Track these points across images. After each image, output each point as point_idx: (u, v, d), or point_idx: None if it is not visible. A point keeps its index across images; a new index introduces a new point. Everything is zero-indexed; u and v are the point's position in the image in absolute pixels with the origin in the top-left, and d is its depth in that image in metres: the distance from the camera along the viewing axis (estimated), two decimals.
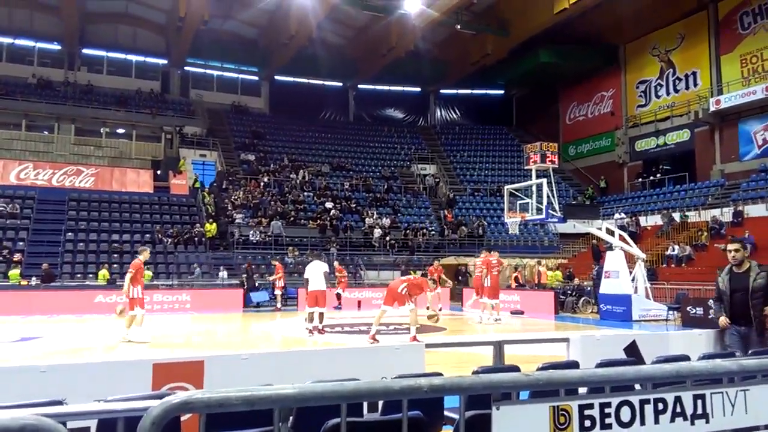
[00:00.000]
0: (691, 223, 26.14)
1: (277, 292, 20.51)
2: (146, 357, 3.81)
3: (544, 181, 16.00)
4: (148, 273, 22.10)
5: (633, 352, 5.69)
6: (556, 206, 16.57)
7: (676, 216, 26.67)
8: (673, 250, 23.74)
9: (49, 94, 31.18)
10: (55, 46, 33.24)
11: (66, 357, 10.05)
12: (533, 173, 16.68)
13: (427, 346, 4.73)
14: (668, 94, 31.80)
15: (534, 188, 16.46)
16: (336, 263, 21.41)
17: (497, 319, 15.98)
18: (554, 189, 16.65)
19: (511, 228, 17.71)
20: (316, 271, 12.63)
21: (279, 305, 20.34)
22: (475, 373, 3.89)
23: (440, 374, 4.05)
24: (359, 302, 21.34)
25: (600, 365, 4.33)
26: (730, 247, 6.02)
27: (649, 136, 32.38)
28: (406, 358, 4.59)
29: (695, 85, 30.52)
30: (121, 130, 32.37)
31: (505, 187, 18.25)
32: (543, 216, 16.10)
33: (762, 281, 5.82)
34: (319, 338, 12.12)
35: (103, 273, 21.85)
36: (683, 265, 22.82)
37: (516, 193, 17.59)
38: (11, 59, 32.44)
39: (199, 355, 3.94)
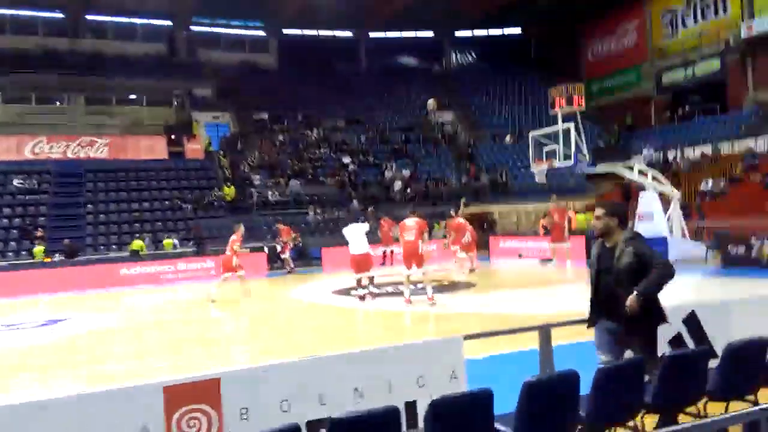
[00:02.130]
0: (724, 156, 25.08)
1: (285, 254, 20.10)
2: (155, 380, 3.37)
3: (572, 125, 15.17)
4: (169, 241, 22.05)
5: (692, 324, 5.14)
6: (585, 150, 15.79)
7: (707, 149, 25.62)
8: (707, 185, 22.84)
9: (56, 65, 30.55)
10: (59, 15, 32.44)
11: (89, 346, 9.88)
12: (559, 117, 15.83)
13: (466, 338, 4.26)
14: (696, 22, 30.05)
15: (561, 133, 15.64)
16: (384, 218, 20.87)
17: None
18: (582, 132, 15.81)
19: (538, 177, 16.96)
20: (352, 234, 12.18)
21: (288, 267, 19.96)
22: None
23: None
24: (384, 257, 20.99)
25: (671, 359, 3.81)
26: (596, 212, 4.47)
27: (677, 68, 30.81)
28: (442, 355, 4.14)
29: (725, 11, 28.73)
30: (131, 97, 31.80)
31: (530, 134, 17.39)
32: (572, 162, 15.35)
33: (628, 260, 4.16)
34: (370, 304, 11.78)
35: (138, 243, 21.50)
36: (717, 199, 21.94)
37: (541, 139, 16.74)
38: (15, 31, 31.74)
39: (214, 373, 3.50)
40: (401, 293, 11.60)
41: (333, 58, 37.56)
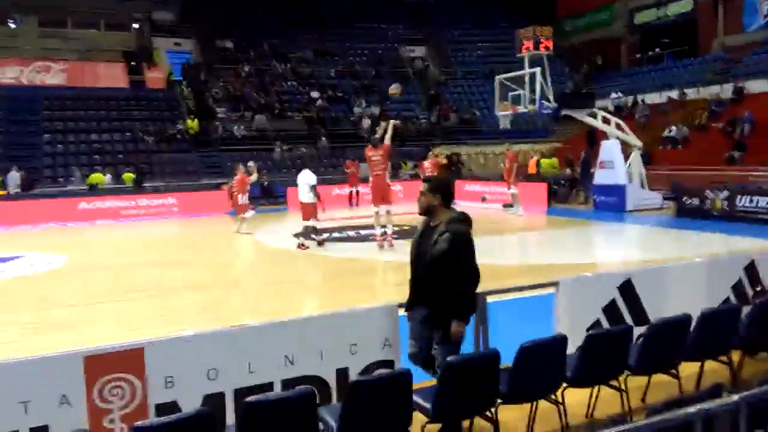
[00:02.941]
0: (690, 101, 25.19)
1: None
2: (76, 349, 3.38)
3: (538, 70, 15.00)
4: (129, 175, 21.60)
5: (627, 292, 5.29)
6: (550, 96, 15.69)
7: (674, 94, 25.69)
8: (671, 131, 23.04)
9: None
10: None
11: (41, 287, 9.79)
12: (526, 61, 15.63)
13: (401, 305, 4.31)
14: None
15: (527, 77, 15.48)
16: (350, 158, 20.78)
17: None
18: (548, 77, 15.67)
19: (503, 122, 16.87)
20: (299, 182, 12.17)
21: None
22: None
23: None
24: (350, 198, 20.99)
25: (592, 337, 3.94)
26: (421, 187, 4.04)
27: (649, 8, 30.38)
28: (376, 323, 4.17)
29: None
30: (88, 20, 30.17)
31: (496, 77, 17.16)
32: (536, 108, 15.30)
33: (443, 248, 3.78)
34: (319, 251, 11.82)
35: (97, 176, 20.98)
36: (680, 147, 22.23)
37: (507, 83, 16.55)
38: None
39: (137, 343, 3.51)
40: (364, 238, 11.71)
41: None
